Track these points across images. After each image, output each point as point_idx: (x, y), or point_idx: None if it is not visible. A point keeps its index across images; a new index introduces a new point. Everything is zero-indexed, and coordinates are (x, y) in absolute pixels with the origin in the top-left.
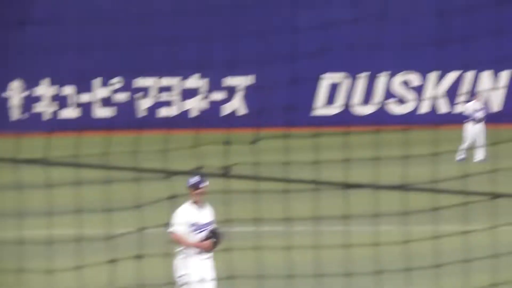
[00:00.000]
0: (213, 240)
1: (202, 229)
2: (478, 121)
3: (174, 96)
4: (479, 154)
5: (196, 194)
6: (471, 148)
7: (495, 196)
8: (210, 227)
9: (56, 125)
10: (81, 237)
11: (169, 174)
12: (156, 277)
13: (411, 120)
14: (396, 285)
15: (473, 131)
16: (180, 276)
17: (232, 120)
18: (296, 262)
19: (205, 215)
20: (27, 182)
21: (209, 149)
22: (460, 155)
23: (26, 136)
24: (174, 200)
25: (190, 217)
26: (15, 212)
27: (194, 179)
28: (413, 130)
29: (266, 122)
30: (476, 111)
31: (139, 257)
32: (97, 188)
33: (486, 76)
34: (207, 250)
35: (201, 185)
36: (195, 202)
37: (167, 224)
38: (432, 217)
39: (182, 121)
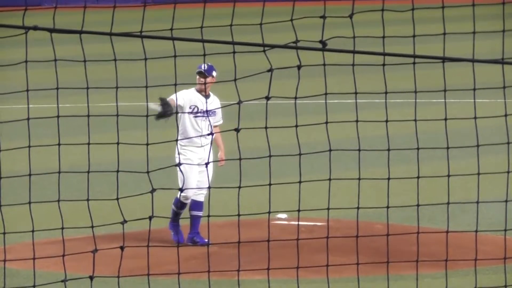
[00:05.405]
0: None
1: (200, 114)
2: None
3: None
4: None
5: (201, 82)
6: None
7: None
8: (210, 115)
9: None
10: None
11: (266, 46)
12: (249, 147)
13: None
14: (495, 156)
15: None
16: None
17: None
18: (392, 135)
19: (207, 103)
20: (105, 55)
21: (305, 21)
22: None
23: (119, 7)
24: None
25: (191, 98)
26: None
27: (203, 66)
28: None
29: None
30: None
31: (236, 130)
32: (191, 59)
33: None
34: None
35: (208, 74)
36: (199, 91)
37: (264, 98)
38: None
39: None
